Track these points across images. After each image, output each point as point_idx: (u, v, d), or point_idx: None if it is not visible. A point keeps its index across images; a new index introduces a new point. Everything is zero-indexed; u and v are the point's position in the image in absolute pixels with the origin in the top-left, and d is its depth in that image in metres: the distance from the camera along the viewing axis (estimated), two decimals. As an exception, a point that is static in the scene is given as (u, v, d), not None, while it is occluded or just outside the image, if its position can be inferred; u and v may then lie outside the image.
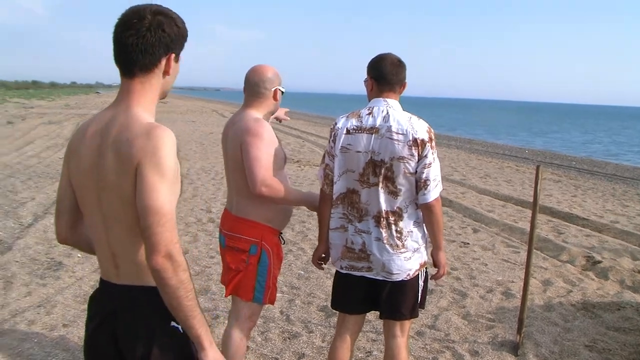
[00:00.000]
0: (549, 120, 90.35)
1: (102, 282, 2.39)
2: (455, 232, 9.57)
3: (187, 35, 2.32)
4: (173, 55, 2.26)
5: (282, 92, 4.01)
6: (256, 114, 3.87)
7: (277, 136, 3.91)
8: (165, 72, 2.27)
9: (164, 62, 2.25)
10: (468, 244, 8.85)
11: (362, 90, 3.78)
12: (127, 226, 2.14)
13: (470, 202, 12.24)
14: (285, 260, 7.41)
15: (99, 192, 2.21)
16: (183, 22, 2.29)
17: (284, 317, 5.74)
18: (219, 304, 5.91)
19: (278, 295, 6.19)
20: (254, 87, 3.90)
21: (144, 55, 2.20)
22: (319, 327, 5.49)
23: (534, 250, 7.97)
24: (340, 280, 3.81)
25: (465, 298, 6.40)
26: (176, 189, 2.18)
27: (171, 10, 2.27)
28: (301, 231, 9.10)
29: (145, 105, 2.25)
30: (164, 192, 2.05)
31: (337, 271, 3.82)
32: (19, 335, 5.11)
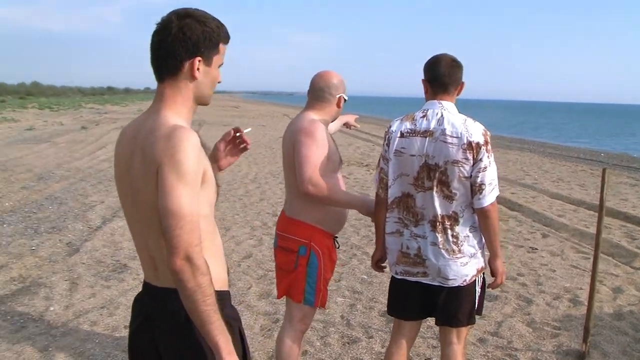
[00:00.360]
0: (619, 122, 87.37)
1: (144, 284, 2.41)
2: (524, 237, 9.35)
3: (220, 39, 2.28)
4: (199, 59, 2.22)
5: (345, 100, 4.00)
6: (314, 116, 3.87)
7: (332, 139, 3.90)
8: (192, 77, 2.24)
9: (187, 65, 2.22)
10: (536, 249, 8.62)
11: None
12: (159, 229, 2.12)
13: (540, 207, 11.94)
14: (348, 265, 7.40)
15: (133, 196, 2.23)
16: (218, 26, 2.26)
17: (345, 322, 5.68)
18: (280, 308, 5.89)
19: (340, 299, 6.21)
20: (318, 91, 3.92)
21: (165, 58, 2.22)
22: (379, 332, 5.42)
23: (605, 257, 7.73)
24: (396, 286, 3.75)
25: (530, 305, 6.22)
26: (206, 191, 2.18)
27: (204, 14, 2.24)
28: (366, 235, 9.02)
29: (176, 109, 2.24)
30: (183, 194, 2.02)
31: (392, 277, 3.75)
32: (82, 336, 5.22)
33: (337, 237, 4.02)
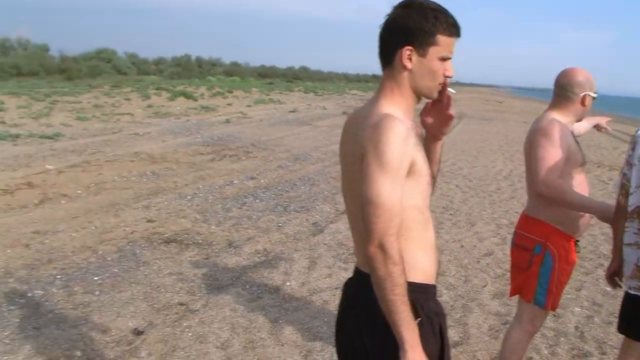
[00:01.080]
0: None
1: (355, 268, 2.46)
2: None
3: (436, 30, 2.18)
4: (409, 49, 2.19)
5: (593, 98, 3.80)
6: (557, 116, 3.76)
7: (575, 139, 3.76)
8: (403, 66, 2.22)
9: (398, 54, 2.21)
10: None
11: None
12: None
13: None
14: (593, 274, 7.00)
15: (348, 180, 2.31)
16: (435, 17, 2.17)
17: (578, 334, 5.39)
18: (512, 311, 5.68)
19: (577, 309, 5.90)
20: (561, 89, 3.79)
21: (380, 47, 2.27)
22: (615, 350, 5.02)
23: None
24: (628, 302, 3.46)
25: None
26: (417, 182, 2.17)
27: (425, 5, 2.19)
28: (619, 246, 8.46)
29: (393, 99, 2.25)
30: (383, 183, 2.04)
31: (626, 292, 3.48)
32: (312, 313, 5.45)
33: (578, 240, 3.87)
